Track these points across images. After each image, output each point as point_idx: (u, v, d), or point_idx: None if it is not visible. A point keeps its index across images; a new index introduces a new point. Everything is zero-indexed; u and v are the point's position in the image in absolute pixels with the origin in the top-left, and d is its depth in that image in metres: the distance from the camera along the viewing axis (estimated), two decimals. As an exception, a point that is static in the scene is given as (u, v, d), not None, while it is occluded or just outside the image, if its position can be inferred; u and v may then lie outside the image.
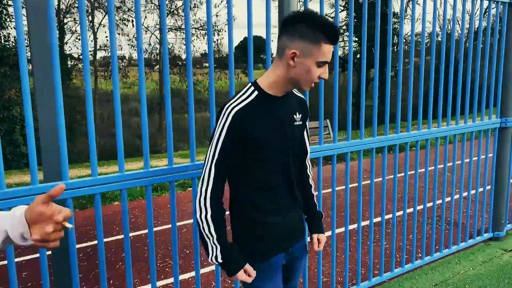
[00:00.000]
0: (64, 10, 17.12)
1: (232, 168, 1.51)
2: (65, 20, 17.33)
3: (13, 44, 12.47)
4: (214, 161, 1.46)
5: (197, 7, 19.02)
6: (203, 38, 19.23)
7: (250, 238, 1.56)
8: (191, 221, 4.83)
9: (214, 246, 1.48)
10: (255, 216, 1.55)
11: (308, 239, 1.84)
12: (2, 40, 12.79)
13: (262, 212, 1.54)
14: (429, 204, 4.70)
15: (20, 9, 1.65)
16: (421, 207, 4.79)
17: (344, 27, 18.07)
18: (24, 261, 3.95)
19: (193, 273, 3.58)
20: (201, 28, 18.90)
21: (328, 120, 8.72)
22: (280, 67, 1.46)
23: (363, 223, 4.43)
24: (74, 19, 17.22)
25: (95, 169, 1.88)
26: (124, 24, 17.36)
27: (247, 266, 1.53)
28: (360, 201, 2.84)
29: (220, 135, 1.44)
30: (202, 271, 3.54)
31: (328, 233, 4.10)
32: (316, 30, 1.38)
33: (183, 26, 18.82)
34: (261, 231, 1.56)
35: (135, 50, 20.07)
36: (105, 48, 19.22)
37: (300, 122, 1.60)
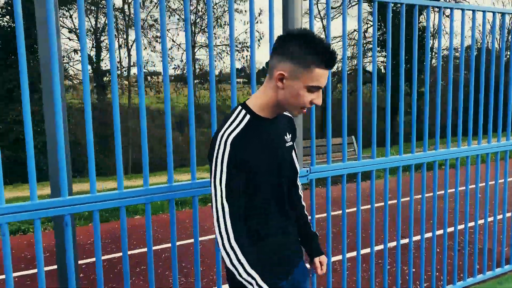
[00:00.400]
0: (100, 29, 17.89)
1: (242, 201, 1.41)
2: (102, 38, 18.08)
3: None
4: (224, 196, 1.35)
5: (227, 24, 19.36)
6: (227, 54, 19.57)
7: (261, 266, 1.41)
8: (207, 237, 4.81)
9: (251, 278, 1.34)
10: (253, 242, 1.43)
11: (307, 265, 1.73)
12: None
13: (260, 237, 1.46)
14: (451, 229, 4.48)
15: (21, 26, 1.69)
16: (441, 231, 4.56)
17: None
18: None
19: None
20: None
21: (353, 137, 8.57)
22: (269, 89, 1.40)
23: (378, 248, 4.25)
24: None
25: (94, 186, 1.89)
26: (156, 41, 17.90)
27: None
28: (386, 221, 2.74)
29: (222, 165, 1.34)
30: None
31: (353, 254, 3.99)
32: (308, 53, 1.30)
33: (214, 43, 19.20)
34: (268, 260, 1.47)
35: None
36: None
37: (291, 143, 1.56)
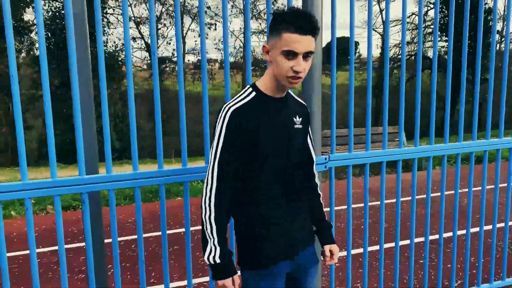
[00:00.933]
0: (156, 17, 18.47)
1: (235, 172, 1.46)
2: (158, 26, 18.66)
3: (112, 48, 13.78)
4: (217, 160, 1.44)
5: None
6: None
7: (252, 246, 1.52)
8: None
9: (213, 247, 1.45)
10: (256, 224, 1.51)
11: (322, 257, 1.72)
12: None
13: (264, 220, 1.51)
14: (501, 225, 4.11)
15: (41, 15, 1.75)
16: (488, 227, 4.21)
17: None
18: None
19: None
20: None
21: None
22: (269, 67, 1.49)
23: (418, 240, 4.00)
24: (165, 24, 18.45)
25: (136, 165, 1.97)
26: (208, 28, 18.14)
27: (236, 277, 1.49)
28: (428, 214, 2.60)
29: (220, 134, 1.44)
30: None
31: (391, 244, 3.81)
32: (280, 21, 1.37)
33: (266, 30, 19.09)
34: (263, 239, 1.51)
35: (221, 53, 20.83)
36: (193, 51, 20.27)
37: (300, 126, 1.57)
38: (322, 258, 1.71)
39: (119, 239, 4.43)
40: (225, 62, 2.09)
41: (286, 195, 1.53)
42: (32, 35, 15.28)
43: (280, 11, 1.40)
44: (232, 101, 1.47)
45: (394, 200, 5.18)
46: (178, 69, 2.04)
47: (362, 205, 3.32)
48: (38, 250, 4.06)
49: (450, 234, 3.75)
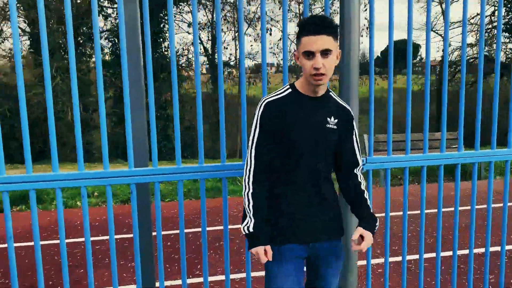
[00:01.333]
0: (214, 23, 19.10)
1: (269, 155, 1.65)
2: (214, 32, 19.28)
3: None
4: (254, 144, 1.65)
5: (336, 12, 18.97)
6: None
7: (271, 223, 1.68)
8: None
9: (249, 219, 1.64)
10: (276, 204, 1.68)
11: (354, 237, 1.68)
12: (163, 50, 14.97)
13: (283, 202, 1.67)
14: None
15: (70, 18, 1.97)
16: None
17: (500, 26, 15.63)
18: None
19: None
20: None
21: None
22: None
23: (461, 252, 3.81)
24: (222, 29, 19.01)
25: (179, 161, 2.15)
26: (267, 33, 18.41)
27: (268, 247, 1.63)
28: (489, 224, 2.56)
29: (256, 122, 1.65)
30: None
31: (448, 253, 3.70)
32: (299, 30, 1.57)
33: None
34: (278, 218, 1.68)
35: (276, 57, 20.98)
36: (249, 56, 20.65)
37: (335, 127, 1.68)
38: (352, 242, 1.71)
39: (171, 232, 4.70)
40: (284, 66, 2.22)
41: (309, 184, 1.67)
42: (101, 40, 16.45)
43: (299, 21, 1.59)
44: (269, 96, 1.68)
45: (447, 209, 4.99)
46: (240, 73, 2.22)
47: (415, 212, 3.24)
48: (97, 238, 4.44)
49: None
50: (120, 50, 2.01)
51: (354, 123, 1.78)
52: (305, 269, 1.83)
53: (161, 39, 14.82)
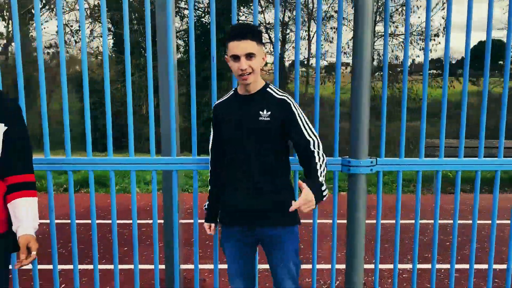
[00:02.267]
0: (284, 22, 19.21)
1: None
2: (287, 31, 19.41)
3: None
4: (210, 141, 2.04)
5: (415, 12, 18.05)
6: (417, 44, 18.14)
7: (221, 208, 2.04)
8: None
9: (207, 201, 2.13)
10: (221, 191, 2.01)
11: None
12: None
13: (224, 189, 1.98)
14: None
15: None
16: None
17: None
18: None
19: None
20: (415, 33, 17.88)
21: None
22: None
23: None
24: (291, 29, 19.07)
25: (195, 150, 2.38)
26: (334, 32, 18.12)
27: (206, 224, 2.12)
28: None
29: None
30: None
31: (483, 266, 3.50)
32: (226, 35, 1.79)
33: (396, 32, 18.21)
34: (222, 203, 2.01)
35: (346, 56, 20.57)
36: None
37: (267, 118, 1.82)
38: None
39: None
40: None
41: (242, 173, 1.88)
42: (177, 40, 17.42)
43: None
44: (218, 99, 2.03)
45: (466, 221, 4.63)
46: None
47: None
48: (144, 221, 4.84)
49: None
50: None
51: (293, 108, 1.84)
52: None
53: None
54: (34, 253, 1.65)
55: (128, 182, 6.68)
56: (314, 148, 1.82)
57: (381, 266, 3.57)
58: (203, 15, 16.16)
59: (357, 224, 2.34)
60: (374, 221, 2.41)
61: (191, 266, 3.42)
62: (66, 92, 2.24)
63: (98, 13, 15.83)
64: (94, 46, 17.30)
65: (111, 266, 3.66)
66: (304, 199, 1.59)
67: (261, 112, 1.83)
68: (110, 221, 4.88)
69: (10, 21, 17.18)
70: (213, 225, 2.11)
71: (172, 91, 2.42)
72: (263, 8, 18.18)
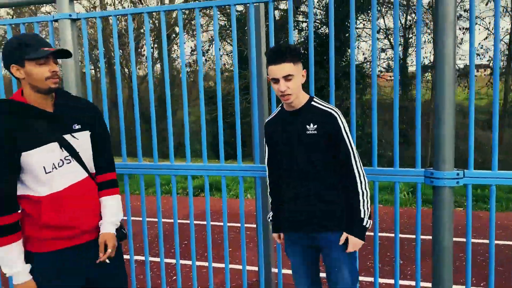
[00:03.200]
0: (408, 26, 18.15)
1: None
2: (410, 35, 18.32)
3: (360, 61, 14.64)
4: (265, 155, 2.17)
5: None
6: None
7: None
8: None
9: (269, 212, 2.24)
10: (281, 201, 2.10)
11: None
12: (347, 58, 15.26)
13: (284, 199, 2.06)
14: None
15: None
16: None
17: None
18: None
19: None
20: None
21: None
22: None
23: None
24: (413, 33, 17.92)
25: (257, 158, 2.47)
26: (463, 33, 16.42)
27: (275, 234, 2.21)
28: None
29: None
30: None
31: None
32: (266, 58, 1.91)
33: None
34: (282, 212, 2.08)
35: (481, 58, 18.60)
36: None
37: (314, 132, 1.91)
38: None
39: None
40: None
41: (295, 184, 1.98)
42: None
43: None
44: (269, 116, 2.15)
45: None
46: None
47: None
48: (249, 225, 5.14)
49: None
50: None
51: (339, 122, 1.90)
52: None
53: (345, 48, 15.14)
54: (109, 250, 1.78)
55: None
56: (355, 164, 1.92)
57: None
58: (319, 26, 16.32)
59: (442, 240, 2.18)
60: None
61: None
62: (204, 105, 2.52)
63: (226, 32, 17.24)
64: (221, 64, 18.84)
65: (217, 264, 4.01)
66: (353, 247, 1.94)
67: (307, 126, 1.92)
68: (221, 223, 5.34)
69: (155, 44, 19.84)
70: (282, 234, 2.19)
71: (259, 100, 2.59)
72: (383, 13, 17.53)
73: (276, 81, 1.87)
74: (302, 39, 17.27)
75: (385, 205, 6.16)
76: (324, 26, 16.16)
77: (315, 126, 1.91)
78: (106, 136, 1.92)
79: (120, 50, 18.21)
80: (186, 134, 2.61)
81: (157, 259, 4.18)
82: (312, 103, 1.98)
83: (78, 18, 2.75)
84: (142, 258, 4.22)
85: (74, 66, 2.76)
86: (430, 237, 2.26)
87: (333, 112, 1.93)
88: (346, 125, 1.92)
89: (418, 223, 2.29)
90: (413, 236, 4.78)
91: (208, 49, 19.72)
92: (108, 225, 1.85)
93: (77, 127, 1.77)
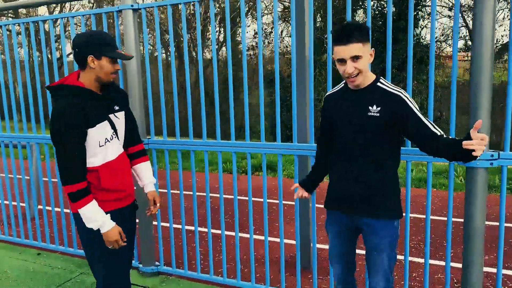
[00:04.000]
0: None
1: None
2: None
3: (424, 42, 13.85)
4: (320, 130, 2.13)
5: None
6: None
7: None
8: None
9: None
10: (329, 175, 2.09)
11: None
12: (414, 38, 14.49)
13: (332, 174, 2.05)
14: None
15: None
16: None
17: None
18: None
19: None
20: None
21: None
22: None
23: None
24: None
25: (312, 138, 2.60)
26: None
27: (297, 185, 2.25)
28: None
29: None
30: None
31: None
32: (332, 37, 1.81)
33: None
34: (328, 189, 2.06)
35: None
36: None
37: (377, 114, 1.80)
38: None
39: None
40: None
41: (347, 162, 1.92)
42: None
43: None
44: (331, 90, 2.07)
45: None
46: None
47: None
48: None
49: None
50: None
51: (410, 104, 1.78)
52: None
53: (416, 27, 14.38)
54: (158, 204, 2.24)
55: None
56: (436, 132, 1.76)
57: (504, 272, 3.09)
58: (384, 5, 15.64)
59: (474, 222, 2.19)
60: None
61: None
62: (262, 88, 2.65)
63: (288, 15, 17.18)
64: (283, 46, 18.84)
65: (258, 236, 4.26)
66: (479, 136, 1.54)
67: (370, 108, 1.81)
68: (273, 200, 5.56)
69: (221, 29, 20.33)
70: (303, 191, 2.21)
71: (309, 83, 2.67)
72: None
73: (343, 62, 1.75)
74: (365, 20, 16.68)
75: (439, 189, 6.00)
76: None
77: (379, 108, 1.80)
78: (133, 115, 2.24)
79: (188, 35, 18.89)
80: (246, 115, 2.81)
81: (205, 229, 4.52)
82: (378, 84, 1.84)
83: (139, 8, 3.06)
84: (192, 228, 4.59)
85: (135, 54, 3.09)
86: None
87: (401, 95, 1.80)
88: (416, 105, 1.80)
89: (450, 204, 2.32)
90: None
91: (271, 32, 19.82)
92: (151, 185, 2.26)
93: (116, 108, 2.08)
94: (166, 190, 3.73)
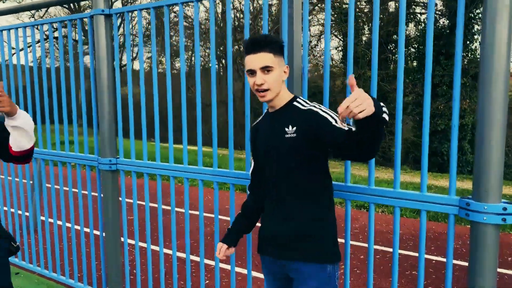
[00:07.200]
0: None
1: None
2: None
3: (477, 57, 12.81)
4: (251, 163, 1.87)
5: None
6: None
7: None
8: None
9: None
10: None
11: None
12: (469, 54, 13.35)
13: (263, 212, 1.79)
14: None
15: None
16: None
17: None
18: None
19: None
20: None
21: None
22: None
23: None
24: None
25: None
26: None
27: (221, 244, 1.83)
28: None
29: None
30: None
31: None
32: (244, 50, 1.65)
33: None
34: (259, 230, 1.78)
35: None
36: None
37: (294, 135, 1.57)
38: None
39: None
40: None
41: (270, 197, 1.68)
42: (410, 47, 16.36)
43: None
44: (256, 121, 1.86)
45: None
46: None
47: None
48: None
49: None
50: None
51: (322, 113, 1.52)
52: None
53: (469, 42, 13.28)
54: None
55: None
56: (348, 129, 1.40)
57: None
58: (438, 18, 14.62)
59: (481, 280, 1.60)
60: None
61: None
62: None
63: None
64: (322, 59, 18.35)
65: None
66: (357, 93, 1.15)
67: (286, 129, 1.60)
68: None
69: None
70: (224, 246, 1.82)
71: (246, 112, 2.17)
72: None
73: (253, 73, 1.59)
74: (418, 33, 15.71)
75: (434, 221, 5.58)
76: (444, 18, 14.37)
77: (294, 128, 1.58)
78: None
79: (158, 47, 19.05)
80: (198, 139, 2.46)
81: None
82: (294, 103, 1.65)
83: (110, 14, 2.77)
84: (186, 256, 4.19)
85: (106, 61, 2.79)
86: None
87: (313, 108, 1.58)
88: (332, 113, 1.51)
89: (450, 259, 1.73)
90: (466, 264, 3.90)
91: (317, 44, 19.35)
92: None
93: None
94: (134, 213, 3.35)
